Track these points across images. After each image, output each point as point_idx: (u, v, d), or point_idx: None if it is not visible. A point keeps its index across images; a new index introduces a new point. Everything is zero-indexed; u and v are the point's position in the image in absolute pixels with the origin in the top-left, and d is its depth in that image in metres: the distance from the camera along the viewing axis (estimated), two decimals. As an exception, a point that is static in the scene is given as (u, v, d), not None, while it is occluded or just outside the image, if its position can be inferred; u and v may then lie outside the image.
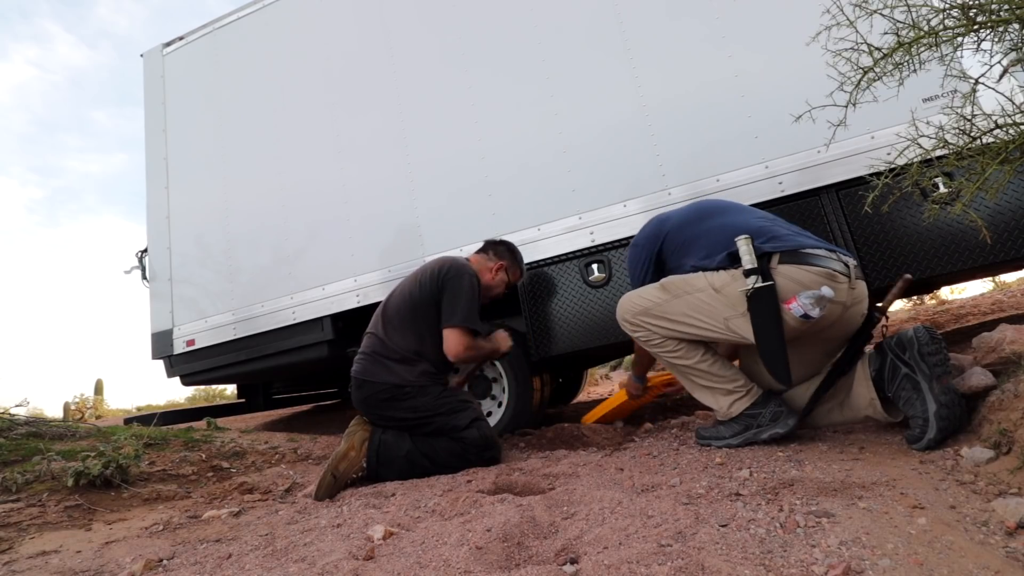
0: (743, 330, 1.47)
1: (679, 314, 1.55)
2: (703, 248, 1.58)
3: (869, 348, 1.53)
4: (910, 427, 1.34)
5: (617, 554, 0.88)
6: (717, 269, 1.52)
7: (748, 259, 1.43)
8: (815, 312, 1.36)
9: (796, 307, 1.38)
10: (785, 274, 1.42)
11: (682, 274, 1.61)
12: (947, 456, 1.23)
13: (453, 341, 1.88)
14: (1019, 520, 0.87)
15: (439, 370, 1.95)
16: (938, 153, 1.34)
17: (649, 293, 1.62)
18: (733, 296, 1.47)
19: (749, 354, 1.66)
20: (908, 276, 1.44)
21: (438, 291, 1.95)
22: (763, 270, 1.42)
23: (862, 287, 1.50)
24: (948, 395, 1.28)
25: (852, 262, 1.49)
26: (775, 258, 1.45)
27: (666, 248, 1.69)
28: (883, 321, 1.49)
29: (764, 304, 1.41)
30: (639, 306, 1.62)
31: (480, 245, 2.30)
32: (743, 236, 1.46)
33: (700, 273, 1.55)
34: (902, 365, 1.38)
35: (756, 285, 1.41)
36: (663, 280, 1.62)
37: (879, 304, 1.52)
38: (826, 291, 1.36)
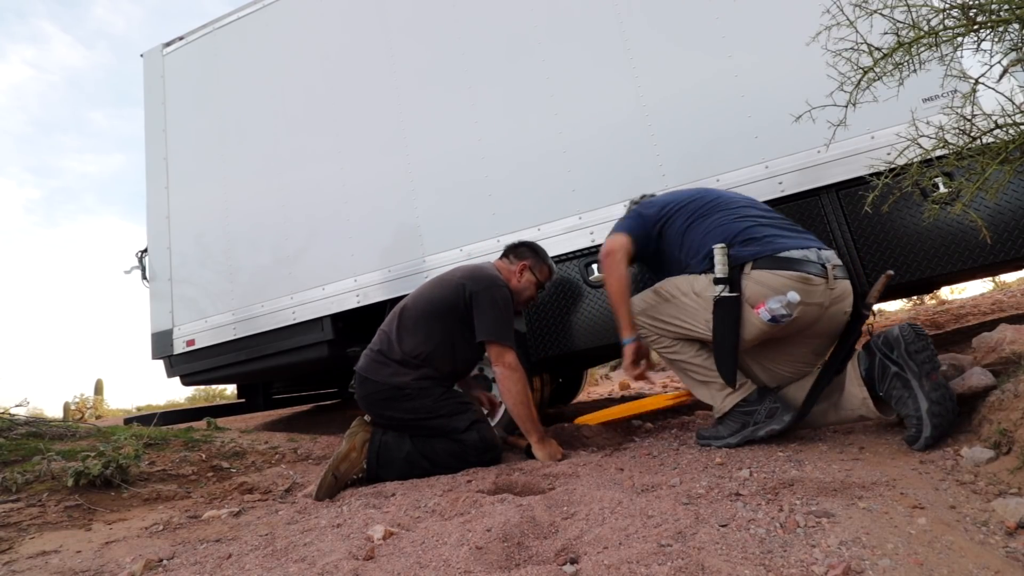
0: None
1: (669, 316, 1.67)
2: (693, 248, 1.66)
3: (858, 347, 1.55)
4: (906, 427, 1.34)
5: (617, 554, 0.88)
6: (703, 271, 1.61)
7: (720, 268, 1.52)
8: (783, 316, 1.41)
9: (764, 312, 1.44)
10: (756, 279, 1.49)
11: (672, 269, 1.73)
12: (947, 456, 1.23)
13: (492, 354, 1.88)
14: (1019, 520, 0.87)
15: (442, 376, 1.94)
16: (938, 153, 1.34)
17: (646, 296, 1.75)
18: (710, 301, 1.55)
19: (743, 353, 1.69)
20: (890, 272, 1.50)
21: (464, 301, 1.93)
22: (733, 280, 1.51)
23: (843, 285, 1.53)
24: (938, 391, 1.29)
25: (833, 262, 1.52)
26: (748, 265, 1.52)
27: (666, 232, 1.76)
28: (870, 318, 1.54)
29: (726, 312, 1.51)
30: (637, 307, 1.74)
31: (479, 244, 2.28)
32: (719, 246, 1.54)
33: (685, 277, 1.66)
34: (891, 364, 1.39)
35: (722, 294, 1.51)
36: (657, 285, 1.74)
37: (866, 301, 1.56)
38: (792, 296, 1.41)
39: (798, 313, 1.43)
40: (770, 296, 1.45)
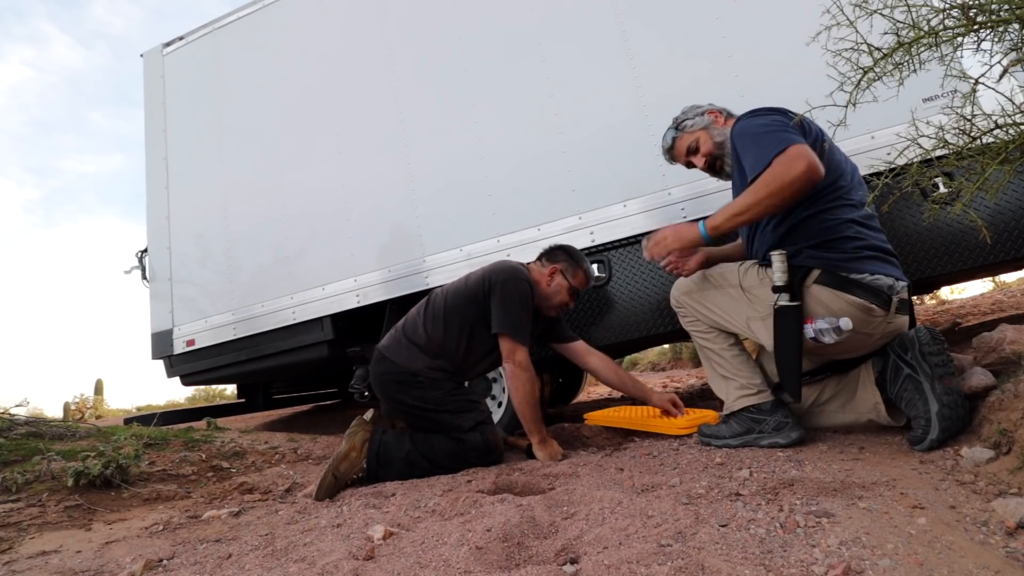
0: (760, 333, 1.52)
1: (712, 303, 1.63)
2: (790, 224, 1.48)
3: None
4: (912, 428, 1.34)
5: (617, 554, 0.88)
6: (765, 257, 1.51)
7: (779, 276, 1.42)
8: (827, 339, 1.36)
9: (810, 329, 1.38)
10: (815, 295, 1.42)
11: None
12: (947, 456, 1.23)
13: (504, 349, 1.86)
14: (1019, 520, 0.87)
15: (456, 370, 1.94)
16: (938, 153, 1.33)
17: (695, 277, 1.71)
18: (758, 299, 1.50)
19: (766, 356, 1.67)
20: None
21: (483, 293, 1.91)
22: (793, 289, 1.41)
23: (901, 322, 1.43)
24: (951, 395, 1.28)
25: (902, 296, 1.42)
26: (812, 275, 1.42)
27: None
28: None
29: (789, 321, 1.41)
30: (686, 287, 1.71)
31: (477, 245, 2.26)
32: (779, 253, 1.42)
33: (736, 267, 1.60)
34: (904, 366, 1.37)
35: (781, 303, 1.41)
36: (707, 270, 1.68)
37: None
38: (844, 323, 1.34)
39: (844, 339, 1.37)
40: (823, 315, 1.38)
